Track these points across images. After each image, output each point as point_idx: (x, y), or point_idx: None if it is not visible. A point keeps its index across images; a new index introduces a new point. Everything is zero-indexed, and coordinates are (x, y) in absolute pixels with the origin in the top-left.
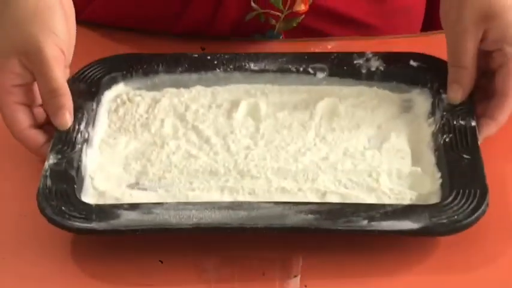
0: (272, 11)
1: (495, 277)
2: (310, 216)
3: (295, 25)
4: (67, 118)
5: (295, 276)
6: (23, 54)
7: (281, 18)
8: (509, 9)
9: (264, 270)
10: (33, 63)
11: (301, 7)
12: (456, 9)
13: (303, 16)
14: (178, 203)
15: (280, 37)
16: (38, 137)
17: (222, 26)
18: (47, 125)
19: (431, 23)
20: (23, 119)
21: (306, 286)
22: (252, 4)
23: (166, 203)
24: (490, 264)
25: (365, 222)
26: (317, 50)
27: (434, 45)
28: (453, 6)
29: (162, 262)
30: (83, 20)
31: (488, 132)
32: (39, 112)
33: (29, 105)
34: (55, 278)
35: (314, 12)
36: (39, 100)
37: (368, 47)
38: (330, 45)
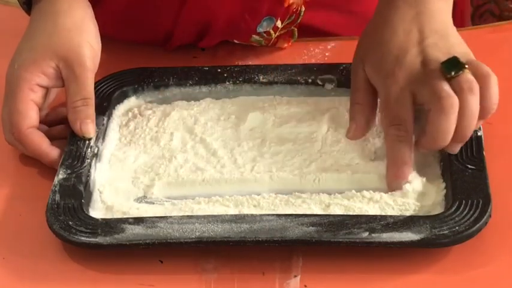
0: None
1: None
2: (311, 228)
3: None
4: (92, 128)
5: (295, 276)
6: (63, 59)
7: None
8: (383, 44)
9: (264, 270)
10: (72, 70)
11: (284, 45)
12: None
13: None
14: (182, 217)
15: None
16: (41, 139)
17: (210, 42)
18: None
19: None
20: (34, 117)
21: (306, 286)
22: (235, 41)
23: (171, 216)
24: (492, 273)
25: (366, 234)
26: (317, 50)
27: None
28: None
29: (162, 262)
30: None
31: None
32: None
33: (39, 107)
34: (55, 278)
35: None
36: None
37: None
38: (330, 45)
